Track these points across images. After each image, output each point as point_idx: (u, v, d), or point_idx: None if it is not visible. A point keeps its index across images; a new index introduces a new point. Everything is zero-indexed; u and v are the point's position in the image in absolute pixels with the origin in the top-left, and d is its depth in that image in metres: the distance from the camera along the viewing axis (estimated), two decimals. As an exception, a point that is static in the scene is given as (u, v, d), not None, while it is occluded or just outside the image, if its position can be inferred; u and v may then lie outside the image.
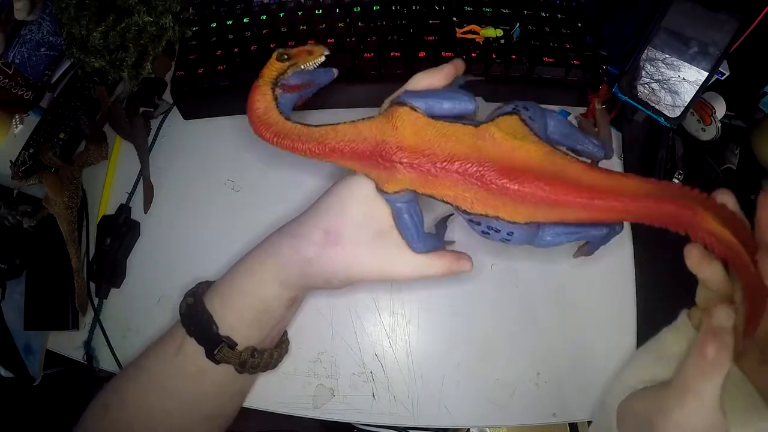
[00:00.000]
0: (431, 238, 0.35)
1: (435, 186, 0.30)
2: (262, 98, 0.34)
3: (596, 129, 0.40)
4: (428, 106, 0.30)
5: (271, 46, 0.52)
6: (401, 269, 0.34)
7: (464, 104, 0.31)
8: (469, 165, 0.28)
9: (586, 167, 0.28)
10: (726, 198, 0.25)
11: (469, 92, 0.32)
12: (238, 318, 0.36)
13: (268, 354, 0.38)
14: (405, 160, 0.29)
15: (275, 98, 0.34)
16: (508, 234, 0.30)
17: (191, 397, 0.37)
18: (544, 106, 0.53)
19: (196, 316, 0.36)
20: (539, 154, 0.28)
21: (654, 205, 0.25)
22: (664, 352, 0.28)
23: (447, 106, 0.31)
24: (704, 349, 0.22)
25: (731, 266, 0.25)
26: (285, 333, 0.43)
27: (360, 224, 0.34)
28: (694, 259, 0.25)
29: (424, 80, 0.33)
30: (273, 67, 0.35)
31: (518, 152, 0.28)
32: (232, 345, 0.35)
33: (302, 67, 0.36)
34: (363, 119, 0.32)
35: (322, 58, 0.36)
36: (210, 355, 0.35)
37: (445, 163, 0.29)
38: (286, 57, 0.35)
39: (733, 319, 0.23)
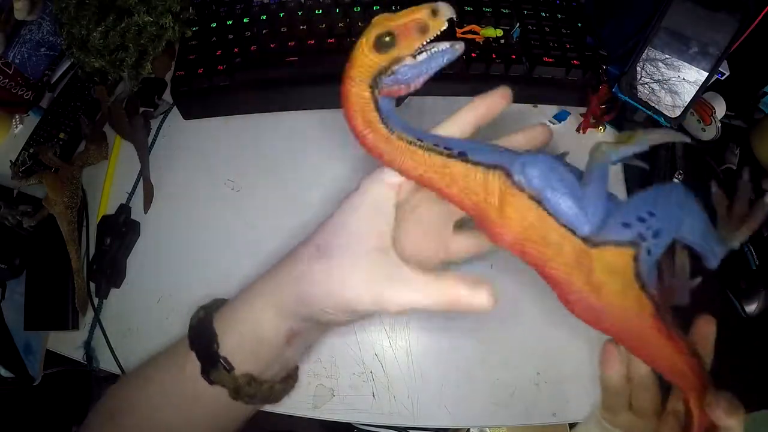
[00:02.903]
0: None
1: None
2: (358, 101, 0.27)
3: (739, 221, 0.30)
4: (546, 196, 0.25)
5: (271, 46, 0.52)
6: (397, 295, 0.28)
7: (579, 222, 0.25)
8: (558, 274, 0.26)
9: (658, 328, 0.26)
10: (707, 327, 0.29)
11: (603, 204, 0.25)
12: (236, 345, 0.34)
13: (268, 386, 0.35)
14: (502, 243, 0.27)
15: (375, 102, 0.27)
16: None
17: (195, 418, 0.36)
18: (543, 106, 0.53)
19: (201, 331, 0.34)
20: (625, 304, 0.26)
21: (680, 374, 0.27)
22: None
23: (564, 208, 0.25)
24: None
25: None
26: (296, 369, 0.39)
27: (356, 236, 0.30)
28: (612, 365, 0.32)
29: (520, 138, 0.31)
30: (369, 62, 0.26)
31: (604, 292, 0.26)
32: (228, 368, 0.33)
33: (410, 59, 0.26)
34: (480, 166, 0.26)
35: (444, 26, 0.26)
36: (205, 373, 0.33)
37: (538, 263, 0.27)
38: (388, 40, 0.26)
39: (677, 422, 0.30)
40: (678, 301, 0.31)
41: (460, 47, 0.27)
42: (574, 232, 0.25)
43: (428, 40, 0.26)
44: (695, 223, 0.26)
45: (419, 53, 0.27)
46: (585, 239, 0.25)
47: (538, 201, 0.25)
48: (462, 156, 0.26)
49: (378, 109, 0.27)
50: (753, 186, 0.31)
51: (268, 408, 0.44)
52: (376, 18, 0.27)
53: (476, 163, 0.26)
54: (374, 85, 0.27)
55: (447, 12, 0.26)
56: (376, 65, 0.26)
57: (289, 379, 0.38)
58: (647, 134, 0.26)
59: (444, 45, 0.27)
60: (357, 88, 0.27)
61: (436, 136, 0.28)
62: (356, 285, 0.29)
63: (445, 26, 0.26)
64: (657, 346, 0.26)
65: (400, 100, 0.27)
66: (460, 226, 0.35)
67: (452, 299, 0.27)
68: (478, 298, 0.27)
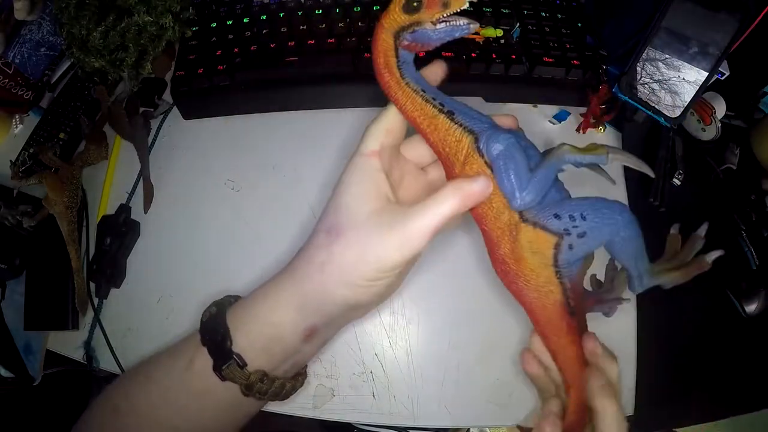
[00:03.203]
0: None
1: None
2: (383, 45, 0.31)
3: (674, 267, 0.33)
4: (497, 166, 0.29)
5: (271, 46, 0.52)
6: (418, 223, 0.29)
7: (513, 197, 0.29)
8: (492, 234, 0.31)
9: (561, 315, 0.30)
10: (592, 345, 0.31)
11: (541, 191, 0.29)
12: (250, 342, 0.34)
13: (280, 383, 0.35)
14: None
15: (396, 50, 0.31)
16: None
17: (197, 416, 0.36)
18: (543, 106, 0.53)
19: (214, 327, 0.34)
20: (538, 282, 0.30)
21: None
22: None
23: (506, 181, 0.29)
24: (542, 427, 0.31)
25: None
26: (305, 366, 0.39)
27: (356, 205, 0.31)
28: (532, 368, 0.35)
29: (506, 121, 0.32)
30: (396, 17, 0.31)
31: (522, 264, 0.30)
32: (241, 364, 0.33)
33: (430, 25, 0.30)
34: (460, 126, 0.30)
35: (465, 5, 0.30)
36: (217, 369, 0.33)
37: (479, 219, 0.31)
38: (415, 5, 0.30)
39: (560, 406, 0.32)
40: (602, 312, 0.35)
41: (474, 26, 0.31)
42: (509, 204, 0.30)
43: (448, 14, 0.30)
44: (627, 248, 0.30)
45: (440, 22, 0.31)
46: (520, 213, 0.29)
47: (491, 168, 0.29)
48: (450, 114, 0.31)
49: (397, 56, 0.31)
50: (705, 242, 0.33)
51: (267, 408, 0.44)
52: None
53: (458, 123, 0.30)
54: (397, 36, 0.31)
55: None
56: (401, 22, 0.31)
57: (299, 377, 0.38)
58: (611, 153, 0.30)
59: (462, 21, 0.31)
60: (384, 34, 0.31)
61: (438, 92, 0.32)
62: (376, 242, 0.30)
63: (464, 5, 0.30)
64: (556, 330, 0.31)
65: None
66: None
67: (462, 195, 0.30)
68: (478, 183, 0.30)
